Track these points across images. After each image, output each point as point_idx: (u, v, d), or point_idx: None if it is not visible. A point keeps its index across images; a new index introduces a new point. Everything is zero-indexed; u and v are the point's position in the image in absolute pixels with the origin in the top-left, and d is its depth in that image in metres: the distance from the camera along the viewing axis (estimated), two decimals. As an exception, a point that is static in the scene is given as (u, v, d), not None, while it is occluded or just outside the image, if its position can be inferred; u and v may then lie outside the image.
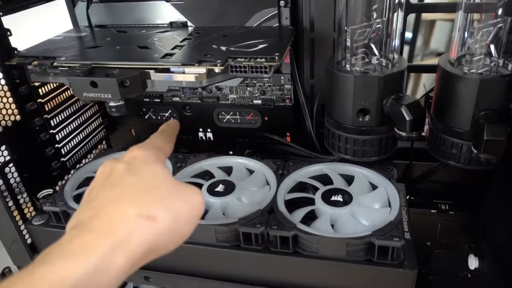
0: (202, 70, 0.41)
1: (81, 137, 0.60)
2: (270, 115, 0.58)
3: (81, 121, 0.59)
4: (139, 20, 0.54)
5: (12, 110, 0.48)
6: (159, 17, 0.54)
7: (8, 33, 0.46)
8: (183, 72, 0.42)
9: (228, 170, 0.51)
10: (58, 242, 0.26)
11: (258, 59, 0.40)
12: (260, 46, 0.43)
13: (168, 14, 0.53)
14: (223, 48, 0.44)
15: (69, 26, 0.58)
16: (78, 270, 0.24)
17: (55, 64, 0.44)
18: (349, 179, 0.47)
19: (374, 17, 0.42)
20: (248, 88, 0.57)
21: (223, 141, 0.63)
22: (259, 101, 0.57)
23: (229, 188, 0.46)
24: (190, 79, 0.41)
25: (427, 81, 0.71)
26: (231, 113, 0.60)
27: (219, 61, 0.40)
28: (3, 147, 0.47)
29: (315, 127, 0.54)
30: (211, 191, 0.46)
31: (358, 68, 0.43)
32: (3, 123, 0.47)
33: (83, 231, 0.26)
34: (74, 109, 0.58)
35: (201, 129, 0.63)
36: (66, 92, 0.55)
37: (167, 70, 0.42)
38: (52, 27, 0.67)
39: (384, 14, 0.42)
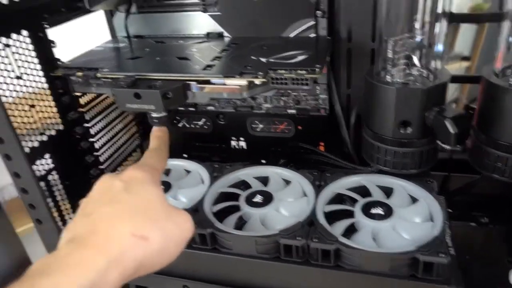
0: (243, 82, 0.41)
1: (118, 145, 0.61)
2: (304, 124, 0.58)
3: (118, 129, 0.61)
4: (176, 31, 0.55)
5: (56, 119, 0.49)
6: (196, 27, 0.54)
7: (52, 44, 0.48)
8: (224, 84, 0.42)
9: (264, 180, 0.51)
10: (56, 253, 0.27)
11: (299, 71, 0.40)
12: (300, 58, 0.43)
13: (204, 24, 0.54)
14: (263, 60, 0.44)
15: (102, 34, 0.59)
16: (75, 284, 0.25)
17: (98, 75, 0.45)
18: (387, 191, 0.47)
19: (416, 28, 0.41)
20: (282, 98, 0.57)
21: (256, 150, 0.63)
22: (294, 111, 0.57)
23: (267, 198, 0.47)
24: (231, 91, 0.42)
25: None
26: (265, 122, 0.60)
27: (260, 73, 0.40)
28: (47, 155, 0.48)
29: (351, 138, 0.53)
30: (249, 201, 0.46)
31: (398, 79, 0.43)
32: (47, 132, 0.48)
33: (80, 246, 0.28)
34: (112, 118, 0.59)
35: (234, 138, 0.63)
36: (104, 102, 0.57)
37: (208, 82, 0.42)
38: (88, 36, 0.69)
39: (427, 24, 0.41)
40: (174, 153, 0.66)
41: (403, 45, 0.41)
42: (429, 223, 0.42)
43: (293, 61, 0.43)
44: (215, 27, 0.53)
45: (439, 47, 0.42)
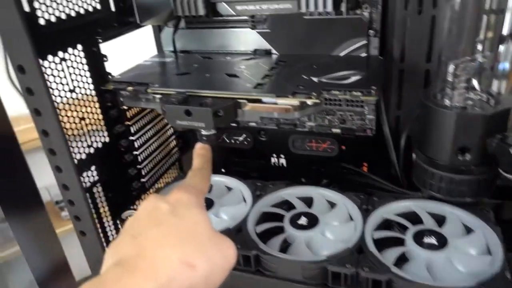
0: (295, 102, 0.40)
1: (159, 159, 0.61)
2: (348, 144, 0.57)
3: (159, 143, 0.61)
4: (223, 46, 0.55)
5: (103, 132, 0.50)
6: (243, 44, 0.54)
7: (105, 58, 0.48)
8: (275, 103, 0.41)
9: (308, 201, 0.50)
10: (104, 278, 0.27)
11: (354, 93, 0.39)
12: (353, 78, 0.42)
13: (252, 41, 0.53)
14: (315, 79, 0.43)
15: (145, 47, 0.60)
16: None
17: (149, 90, 0.45)
18: (439, 219, 0.45)
19: (479, 50, 0.40)
20: (327, 117, 0.55)
21: (296, 168, 0.62)
22: (338, 130, 0.56)
23: (312, 221, 0.45)
24: (282, 111, 0.41)
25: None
26: (307, 140, 0.59)
27: (314, 93, 0.39)
28: (93, 167, 0.49)
29: (399, 158, 0.51)
30: (294, 223, 0.45)
31: (457, 103, 0.41)
32: (94, 144, 0.49)
33: (129, 271, 0.27)
34: (154, 131, 0.59)
35: (274, 155, 0.62)
36: (148, 115, 0.57)
37: (259, 101, 0.41)
38: (133, 49, 0.70)
39: (490, 46, 0.39)
40: (213, 167, 0.66)
41: (464, 68, 0.39)
42: (487, 257, 0.39)
43: (346, 81, 0.41)
44: (262, 44, 0.53)
45: (503, 70, 0.40)
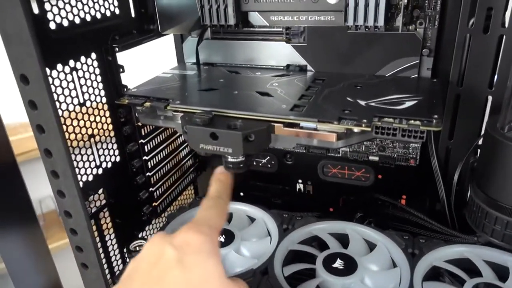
0: (340, 129, 0.35)
1: (173, 180, 0.55)
2: (386, 174, 0.51)
3: (175, 163, 0.55)
4: (251, 60, 0.50)
5: (114, 150, 0.44)
6: (274, 58, 0.49)
7: (121, 69, 0.43)
8: (316, 129, 0.35)
9: (341, 238, 0.44)
10: None
11: (412, 121, 0.33)
12: (408, 104, 0.36)
13: (284, 55, 0.48)
14: (362, 103, 0.37)
15: (164, 56, 0.55)
16: None
17: (169, 107, 0.39)
18: (499, 270, 0.38)
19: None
20: (365, 142, 0.49)
21: (325, 196, 0.56)
22: (376, 158, 0.50)
23: (350, 265, 0.39)
24: (324, 138, 0.35)
25: None
26: (339, 166, 0.53)
27: (364, 120, 0.33)
28: (100, 190, 0.43)
29: (449, 195, 0.45)
30: (328, 266, 0.39)
31: (531, 138, 0.35)
32: (103, 164, 0.43)
33: None
34: (169, 150, 0.53)
35: (300, 181, 0.56)
36: (165, 133, 0.52)
37: (296, 125, 0.36)
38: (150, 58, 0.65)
39: None
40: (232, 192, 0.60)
41: (544, 98, 0.33)
42: None
43: (400, 107, 0.36)
44: (297, 59, 0.47)
45: None
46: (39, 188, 0.70)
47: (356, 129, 0.34)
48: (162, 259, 0.27)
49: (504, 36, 0.38)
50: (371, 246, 0.43)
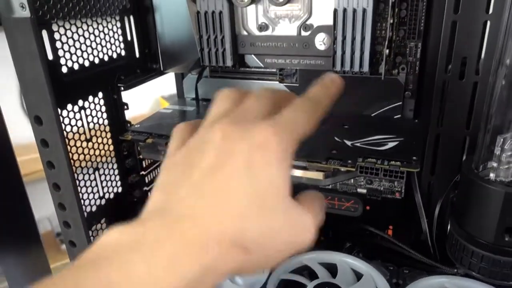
0: (328, 168, 0.38)
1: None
2: (373, 205, 0.53)
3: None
4: (247, 97, 0.53)
5: (116, 182, 0.47)
6: (269, 96, 0.52)
7: (125, 107, 0.46)
8: (305, 168, 0.38)
9: (330, 268, 0.46)
10: (141, 233, 0.21)
11: (393, 162, 0.36)
12: (391, 145, 0.39)
13: (278, 94, 0.51)
14: (348, 143, 0.40)
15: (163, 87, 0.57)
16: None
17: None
18: (477, 301, 0.41)
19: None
20: (354, 176, 0.52)
21: (316, 225, 0.58)
22: (364, 190, 0.52)
23: (338, 295, 0.41)
24: (314, 177, 0.38)
25: None
26: (329, 197, 0.56)
27: (349, 161, 0.36)
28: (103, 220, 0.45)
29: (431, 228, 0.48)
30: (317, 295, 0.41)
31: (504, 178, 0.38)
32: (106, 195, 0.46)
33: (174, 236, 0.21)
34: (169, 179, 0.56)
35: (293, 210, 0.59)
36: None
37: (288, 164, 0.38)
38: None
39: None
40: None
41: (513, 142, 0.36)
42: None
43: (383, 148, 0.39)
44: (289, 97, 0.51)
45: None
46: (37, 209, 0.72)
47: (342, 169, 0.37)
48: (232, 158, 0.23)
49: (479, 83, 0.41)
50: (358, 276, 0.45)
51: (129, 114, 0.48)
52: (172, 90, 0.58)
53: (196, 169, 0.23)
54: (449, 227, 0.43)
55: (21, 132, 0.77)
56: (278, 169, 0.23)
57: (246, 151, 0.23)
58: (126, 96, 0.47)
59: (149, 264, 0.20)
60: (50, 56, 0.36)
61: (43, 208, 0.80)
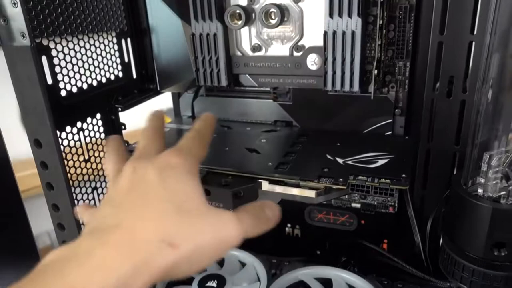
0: (320, 186, 0.39)
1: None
2: (368, 219, 0.54)
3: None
4: (242, 115, 0.54)
5: (114, 200, 0.48)
6: (263, 114, 0.53)
7: (123, 127, 0.47)
8: (298, 186, 0.39)
9: (325, 283, 0.47)
10: (74, 247, 0.24)
11: (383, 180, 0.37)
12: (381, 162, 0.40)
13: (273, 112, 0.52)
14: (340, 161, 0.41)
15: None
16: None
17: (166, 163, 0.43)
18: (470, 314, 0.41)
19: (514, 141, 0.38)
20: (347, 191, 0.53)
21: (311, 239, 0.59)
22: (358, 205, 0.54)
23: (332, 310, 0.42)
24: (307, 195, 0.39)
25: None
26: (324, 212, 0.57)
27: (340, 179, 0.38)
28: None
29: (424, 242, 0.49)
30: (313, 311, 0.42)
31: (491, 193, 0.39)
32: (104, 214, 0.46)
33: (104, 243, 0.24)
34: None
35: (289, 225, 0.60)
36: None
37: (282, 183, 0.40)
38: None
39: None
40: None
41: (500, 158, 0.37)
42: None
43: (373, 166, 0.40)
44: (284, 115, 0.52)
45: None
46: (35, 225, 0.72)
47: (334, 187, 0.38)
48: (142, 177, 0.28)
49: (466, 101, 0.43)
50: (353, 290, 0.46)
51: (128, 128, 0.49)
52: (171, 104, 0.59)
53: (117, 196, 0.28)
54: (441, 241, 0.44)
55: (20, 148, 0.78)
56: (187, 180, 0.28)
57: (157, 172, 0.28)
58: (126, 111, 0.48)
59: (84, 268, 0.23)
60: (50, 81, 0.37)
61: (42, 223, 0.80)
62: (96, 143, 0.44)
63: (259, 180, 0.40)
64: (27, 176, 0.94)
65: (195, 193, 0.28)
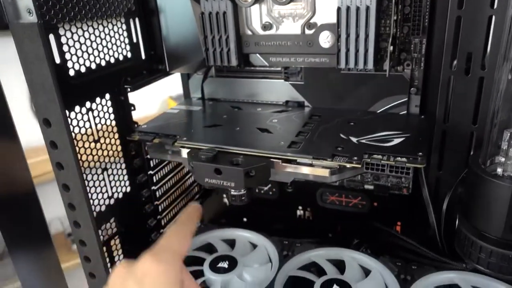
0: (333, 165, 0.38)
1: (180, 207, 0.58)
2: (381, 201, 0.53)
3: (181, 191, 0.58)
4: (253, 96, 0.53)
5: (125, 182, 0.48)
6: (275, 94, 0.52)
7: (132, 108, 0.47)
8: (312, 165, 0.39)
9: (338, 264, 0.46)
10: None
11: (399, 158, 0.36)
12: (396, 141, 0.39)
13: (284, 92, 0.51)
14: (354, 140, 0.40)
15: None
16: None
17: (176, 143, 0.43)
18: (486, 296, 0.41)
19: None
20: (360, 172, 0.52)
21: (323, 222, 0.58)
22: (371, 187, 0.53)
23: (346, 291, 0.41)
24: (320, 174, 0.38)
25: None
26: (337, 194, 0.56)
27: (355, 158, 0.37)
28: (112, 219, 0.46)
29: (439, 223, 0.48)
30: (326, 292, 0.42)
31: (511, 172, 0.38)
32: (115, 195, 0.46)
33: None
34: (176, 180, 0.57)
35: (300, 207, 0.59)
36: (171, 164, 0.55)
37: (294, 162, 0.39)
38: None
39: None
40: (235, 218, 0.63)
41: (520, 136, 0.36)
42: None
43: (389, 144, 0.39)
44: (295, 95, 0.51)
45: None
46: (48, 210, 0.73)
47: (348, 165, 0.37)
48: None
49: (485, 78, 0.41)
50: (366, 272, 0.45)
51: (137, 116, 0.48)
52: (180, 90, 0.59)
53: None
54: (457, 223, 0.43)
55: (31, 135, 0.78)
56: (165, 286, 0.30)
57: (135, 282, 0.30)
58: (134, 97, 0.48)
59: None
60: (58, 60, 0.37)
61: (55, 209, 0.81)
62: (105, 124, 0.44)
63: (271, 160, 0.39)
64: (38, 163, 0.95)
65: None
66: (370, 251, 0.50)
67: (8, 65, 0.79)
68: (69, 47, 0.38)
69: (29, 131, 0.78)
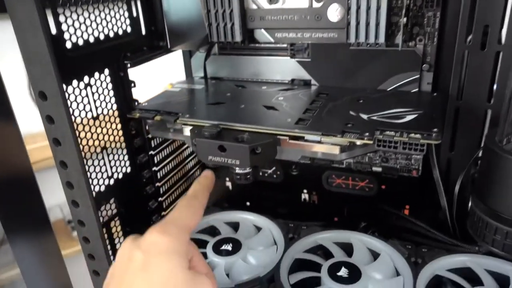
0: (343, 142, 0.36)
1: (182, 189, 0.57)
2: (389, 184, 0.52)
3: (183, 173, 0.57)
4: (258, 75, 0.52)
5: (125, 161, 0.46)
6: (280, 73, 0.50)
7: (133, 84, 0.45)
8: (320, 142, 0.37)
9: (346, 247, 0.45)
10: None
11: (412, 135, 0.34)
12: (409, 118, 0.38)
13: (290, 70, 0.50)
14: (364, 117, 0.38)
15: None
16: None
17: (178, 121, 0.41)
18: (500, 279, 0.39)
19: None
20: (368, 154, 0.51)
21: (329, 206, 0.57)
22: (379, 169, 0.51)
23: (354, 274, 0.40)
24: (329, 151, 0.36)
25: None
26: (343, 177, 0.54)
27: (366, 134, 0.35)
28: (112, 200, 0.45)
29: (451, 206, 0.46)
30: (333, 275, 0.40)
31: (529, 150, 0.36)
32: (115, 175, 0.45)
33: None
34: (178, 161, 0.55)
35: (305, 191, 0.58)
36: (174, 144, 0.53)
37: (301, 138, 0.37)
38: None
39: None
40: (238, 202, 0.62)
41: (540, 112, 0.34)
42: None
43: (401, 121, 0.37)
44: (301, 73, 0.49)
45: None
46: (47, 198, 0.72)
47: (358, 142, 0.36)
48: (131, 264, 0.31)
49: (501, 53, 0.39)
50: (375, 255, 0.44)
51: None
52: (181, 76, 0.57)
53: (115, 271, 0.32)
54: (470, 204, 0.42)
55: (30, 121, 0.77)
56: (172, 257, 0.30)
57: (142, 254, 0.30)
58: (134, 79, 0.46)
59: None
60: (54, 31, 0.35)
61: (54, 196, 0.80)
62: (105, 100, 0.42)
63: (278, 137, 0.37)
64: (37, 149, 0.94)
65: (177, 272, 0.30)
66: (377, 235, 0.49)
67: (6, 52, 0.78)
68: (66, 17, 0.36)
69: (28, 117, 0.76)
